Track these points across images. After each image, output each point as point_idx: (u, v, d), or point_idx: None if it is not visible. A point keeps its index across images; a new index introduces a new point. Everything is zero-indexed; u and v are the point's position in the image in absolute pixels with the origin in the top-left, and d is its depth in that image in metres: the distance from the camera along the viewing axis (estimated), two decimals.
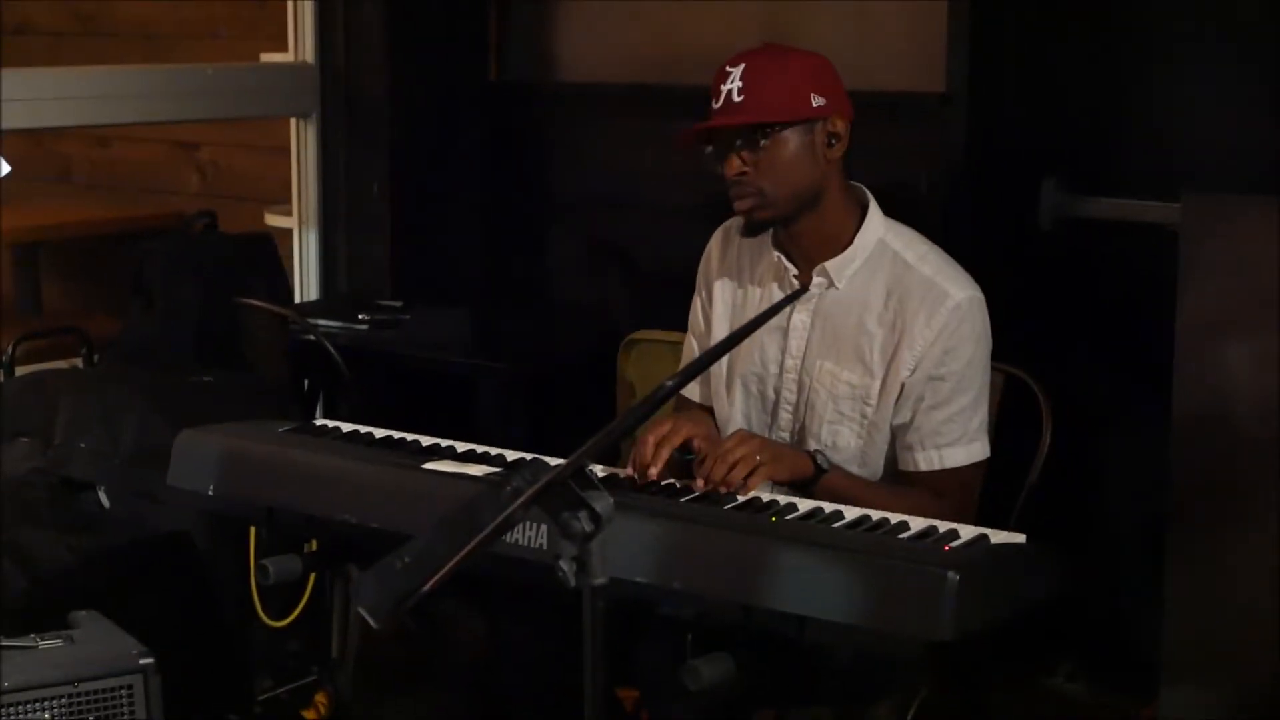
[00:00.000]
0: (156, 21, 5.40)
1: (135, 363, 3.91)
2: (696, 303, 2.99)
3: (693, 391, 2.96)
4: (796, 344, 2.80)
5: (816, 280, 2.78)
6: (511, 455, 2.72)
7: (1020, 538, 2.40)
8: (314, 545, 3.03)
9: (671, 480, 2.63)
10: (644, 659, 2.57)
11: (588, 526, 1.93)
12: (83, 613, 2.92)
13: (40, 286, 5.45)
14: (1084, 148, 3.71)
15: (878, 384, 2.73)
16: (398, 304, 4.36)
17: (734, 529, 2.38)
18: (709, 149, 2.74)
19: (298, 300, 4.55)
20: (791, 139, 2.69)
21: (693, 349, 2.99)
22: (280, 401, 3.79)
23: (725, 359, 2.84)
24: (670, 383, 2.19)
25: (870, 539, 2.36)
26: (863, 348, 2.74)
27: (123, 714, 2.77)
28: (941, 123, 3.76)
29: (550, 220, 4.58)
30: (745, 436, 2.65)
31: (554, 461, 2.16)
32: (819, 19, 3.97)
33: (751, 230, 2.78)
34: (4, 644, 2.76)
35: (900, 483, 2.75)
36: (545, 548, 2.36)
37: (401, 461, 2.70)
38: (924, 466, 2.73)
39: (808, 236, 2.77)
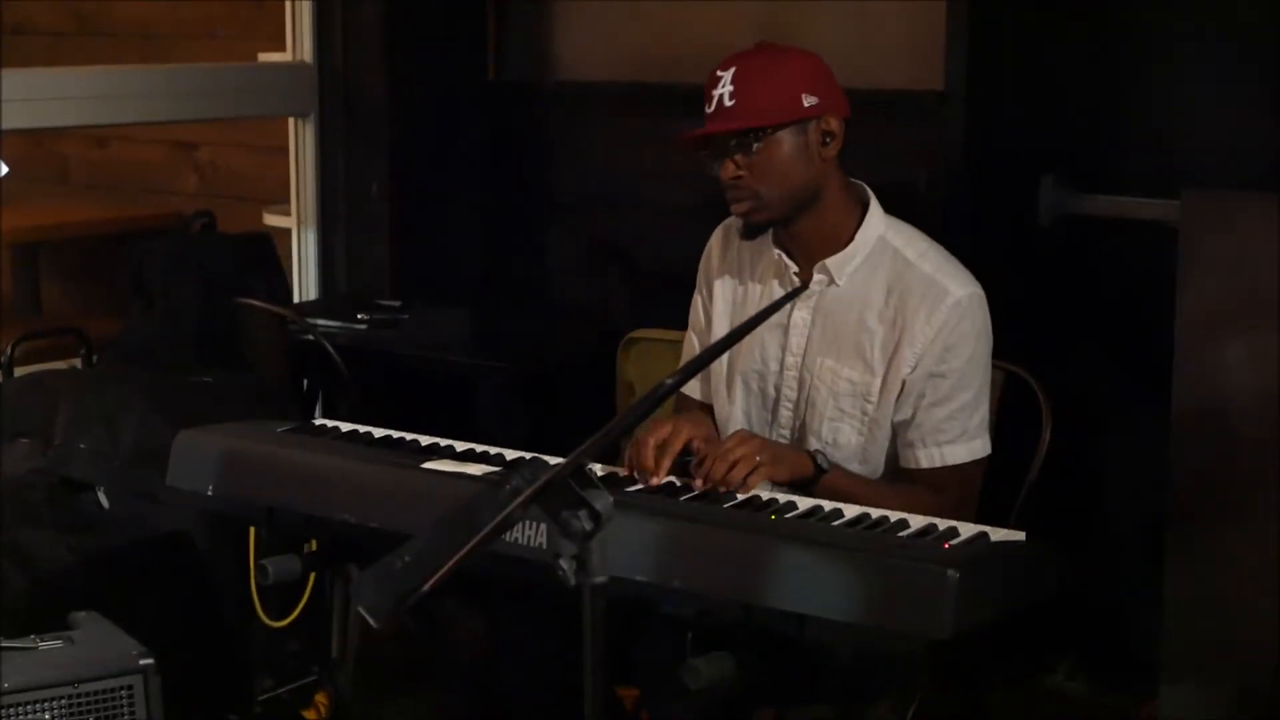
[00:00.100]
0: (155, 21, 5.41)
1: (135, 363, 3.91)
2: (697, 300, 2.99)
3: (693, 389, 2.96)
4: (797, 341, 2.80)
5: (817, 278, 2.78)
6: (511, 454, 2.72)
7: (1020, 536, 2.40)
8: (314, 545, 3.03)
9: (671, 479, 2.63)
10: (644, 658, 2.57)
11: (587, 525, 1.93)
12: (83, 613, 2.92)
13: (40, 287, 5.46)
14: (1082, 147, 3.71)
15: (878, 381, 2.73)
16: (397, 304, 4.35)
17: (734, 527, 2.38)
18: (705, 152, 2.74)
19: (297, 300, 4.55)
20: (785, 140, 2.69)
21: (693, 346, 2.99)
22: (279, 401, 3.79)
23: (726, 357, 2.84)
24: (670, 381, 2.19)
25: (870, 537, 2.36)
26: (863, 345, 2.74)
27: (123, 714, 2.77)
28: (940, 121, 3.77)
29: (550, 220, 4.58)
30: (745, 436, 2.65)
31: (553, 460, 2.16)
32: (818, 17, 3.97)
33: (750, 233, 2.79)
34: (4, 645, 2.75)
35: (901, 480, 2.75)
36: (545, 547, 2.35)
37: (401, 461, 2.70)
38: (925, 464, 2.73)
39: (808, 234, 2.77)
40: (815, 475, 2.64)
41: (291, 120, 4.60)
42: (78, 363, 4.16)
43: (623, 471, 2.65)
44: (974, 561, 2.23)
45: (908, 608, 2.15)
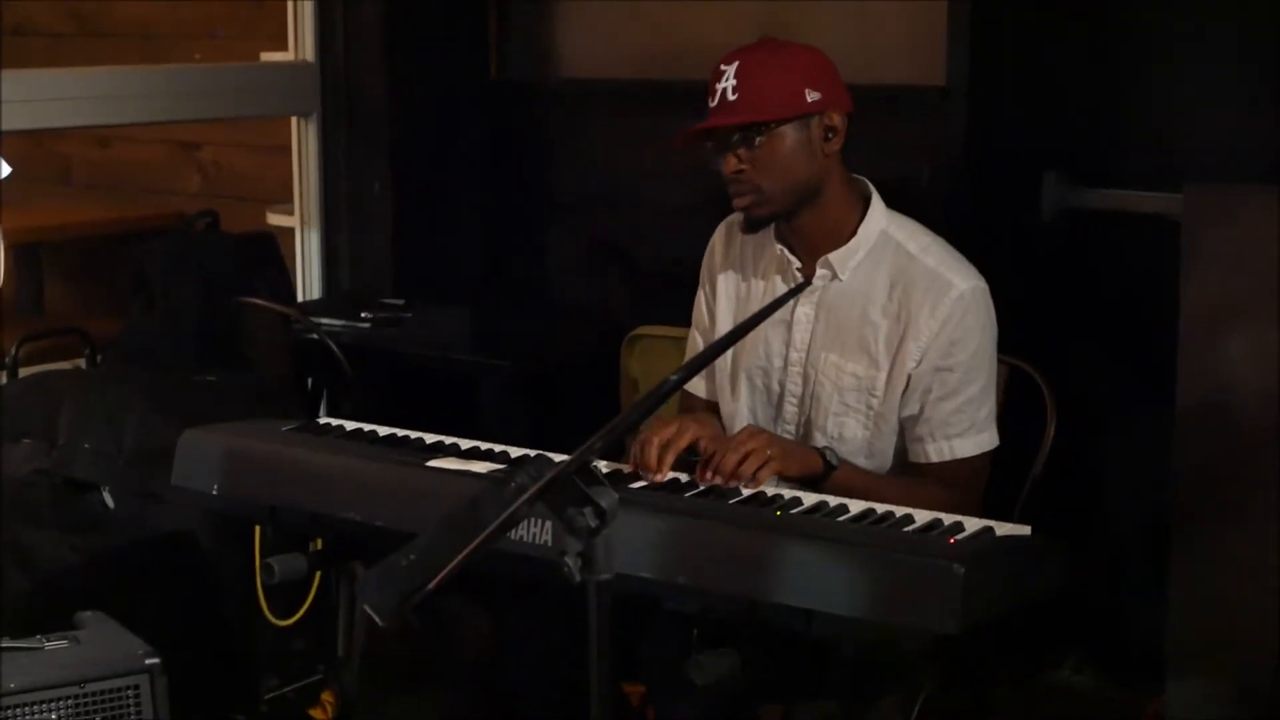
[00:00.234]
0: (155, 21, 5.41)
1: (138, 363, 3.91)
2: (700, 297, 2.99)
3: (697, 386, 2.96)
4: (801, 337, 2.80)
5: (820, 273, 2.78)
6: (515, 452, 2.72)
7: (1026, 530, 2.40)
8: (319, 544, 3.03)
9: (676, 475, 2.63)
10: (649, 654, 2.57)
11: (592, 522, 1.93)
12: (88, 613, 2.92)
13: (42, 287, 5.45)
14: (1083, 143, 3.70)
15: (883, 375, 2.73)
16: (400, 302, 4.36)
17: (739, 523, 2.38)
18: (709, 145, 2.74)
19: (300, 299, 4.55)
20: (787, 135, 2.70)
21: (696, 343, 2.99)
22: (283, 400, 3.79)
23: (730, 353, 2.84)
24: (674, 377, 2.19)
25: (876, 532, 2.36)
26: (867, 339, 2.74)
27: (129, 714, 2.77)
28: (942, 116, 3.77)
29: (551, 218, 4.58)
30: (755, 431, 2.65)
31: (558, 458, 2.16)
32: (819, 14, 3.97)
33: (752, 227, 2.78)
34: (10, 645, 2.76)
35: (910, 474, 2.75)
36: (550, 544, 2.35)
37: (405, 459, 2.70)
38: (935, 458, 2.73)
39: (810, 229, 2.77)
40: (825, 472, 2.64)
41: (294, 120, 4.60)
42: (81, 363, 4.16)
43: (628, 468, 2.65)
44: (980, 556, 2.22)
45: (914, 603, 2.15)
